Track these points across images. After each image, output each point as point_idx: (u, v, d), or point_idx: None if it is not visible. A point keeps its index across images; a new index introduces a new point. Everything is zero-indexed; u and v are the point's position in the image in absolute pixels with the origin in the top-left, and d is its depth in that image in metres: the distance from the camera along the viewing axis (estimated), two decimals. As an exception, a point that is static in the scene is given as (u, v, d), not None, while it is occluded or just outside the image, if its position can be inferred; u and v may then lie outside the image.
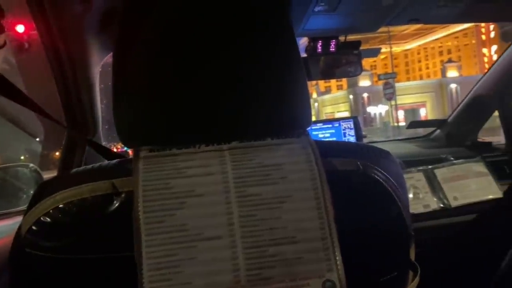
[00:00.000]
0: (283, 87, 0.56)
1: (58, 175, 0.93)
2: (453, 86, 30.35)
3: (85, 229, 0.51)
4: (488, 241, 1.40)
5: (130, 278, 0.47)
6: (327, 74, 1.45)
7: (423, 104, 32.89)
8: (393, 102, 25.23)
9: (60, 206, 0.50)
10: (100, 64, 1.19)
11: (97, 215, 0.51)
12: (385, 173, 0.56)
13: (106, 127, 1.71)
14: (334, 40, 1.37)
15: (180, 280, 0.47)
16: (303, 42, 1.56)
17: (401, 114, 30.72)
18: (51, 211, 0.50)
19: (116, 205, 0.50)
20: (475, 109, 1.78)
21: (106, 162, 0.59)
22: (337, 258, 0.50)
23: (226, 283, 0.47)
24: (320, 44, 1.37)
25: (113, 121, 0.56)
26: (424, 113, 32.15)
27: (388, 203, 0.56)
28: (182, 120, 0.54)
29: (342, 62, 1.44)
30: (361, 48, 1.43)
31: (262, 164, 0.52)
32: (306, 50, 1.44)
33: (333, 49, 1.38)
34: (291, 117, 0.57)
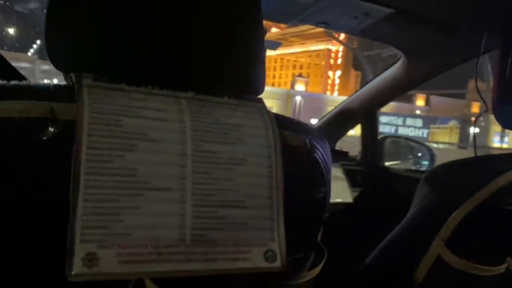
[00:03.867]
0: (242, 48, 0.53)
1: None
2: (298, 98, 32.86)
3: (7, 158, 0.40)
4: (338, 241, 1.54)
5: (60, 222, 0.39)
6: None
7: (270, 109, 34.97)
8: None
9: None
10: None
11: (25, 143, 0.40)
12: (324, 155, 0.58)
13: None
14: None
15: (118, 230, 0.41)
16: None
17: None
18: None
19: (52, 134, 0.40)
20: (341, 120, 1.94)
21: (36, 81, 0.46)
22: (280, 229, 0.49)
23: (170, 240, 0.43)
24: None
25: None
26: (269, 118, 34.18)
27: (320, 184, 0.58)
28: (132, 55, 0.47)
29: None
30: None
31: (221, 121, 0.49)
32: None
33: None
34: (247, 80, 0.54)
